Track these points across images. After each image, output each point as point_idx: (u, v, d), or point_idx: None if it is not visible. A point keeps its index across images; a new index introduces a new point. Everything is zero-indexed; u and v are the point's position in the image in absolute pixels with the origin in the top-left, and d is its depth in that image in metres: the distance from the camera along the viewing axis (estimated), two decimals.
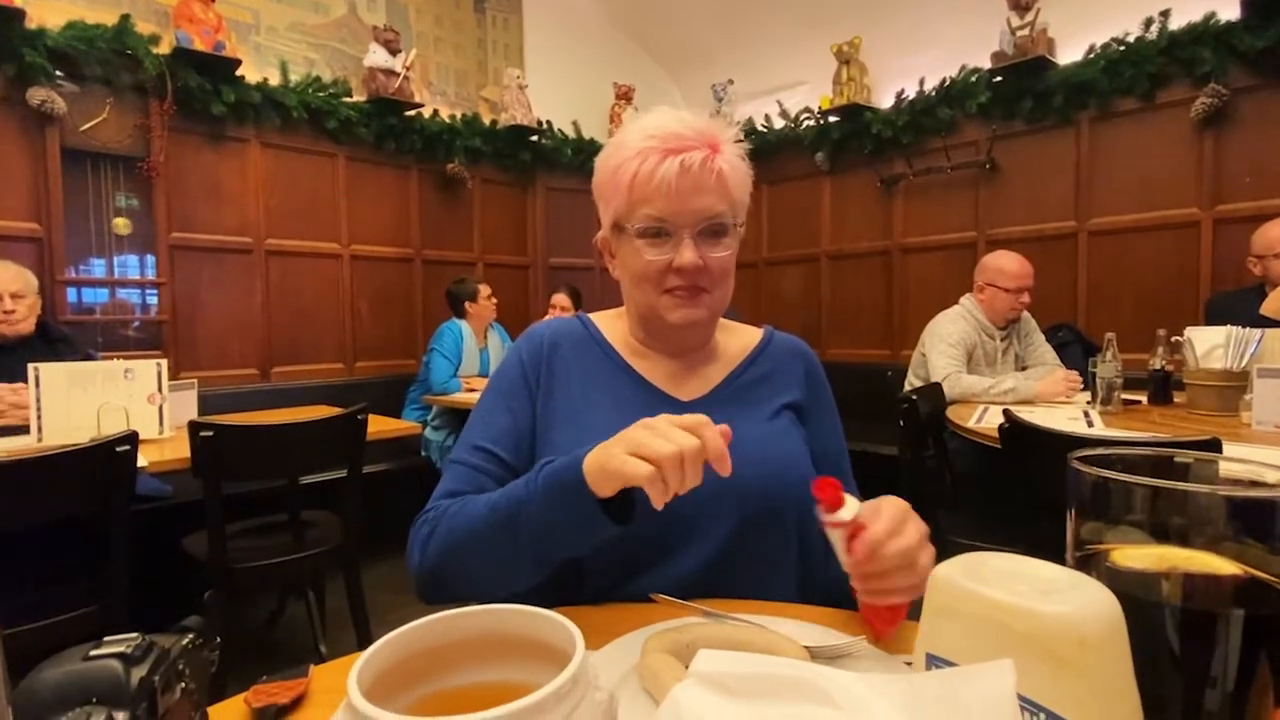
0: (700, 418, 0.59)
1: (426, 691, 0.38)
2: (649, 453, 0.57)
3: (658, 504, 0.57)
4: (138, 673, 0.38)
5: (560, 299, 3.68)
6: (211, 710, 0.48)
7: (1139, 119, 3.06)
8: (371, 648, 0.35)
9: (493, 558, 0.69)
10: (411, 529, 0.78)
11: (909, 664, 0.56)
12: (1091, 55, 3.10)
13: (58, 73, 2.73)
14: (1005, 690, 0.27)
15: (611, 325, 0.92)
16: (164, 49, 2.95)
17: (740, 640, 0.57)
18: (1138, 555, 0.35)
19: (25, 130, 2.73)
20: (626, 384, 0.85)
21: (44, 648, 0.39)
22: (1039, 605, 0.31)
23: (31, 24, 2.65)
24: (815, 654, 0.57)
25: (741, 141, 0.82)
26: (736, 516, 0.77)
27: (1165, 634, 0.33)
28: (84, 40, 2.75)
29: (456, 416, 3.25)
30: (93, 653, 0.39)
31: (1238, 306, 2.43)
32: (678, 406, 0.84)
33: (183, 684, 0.42)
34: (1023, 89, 3.27)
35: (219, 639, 0.48)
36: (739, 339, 0.93)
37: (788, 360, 0.91)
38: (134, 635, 0.41)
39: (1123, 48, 3.02)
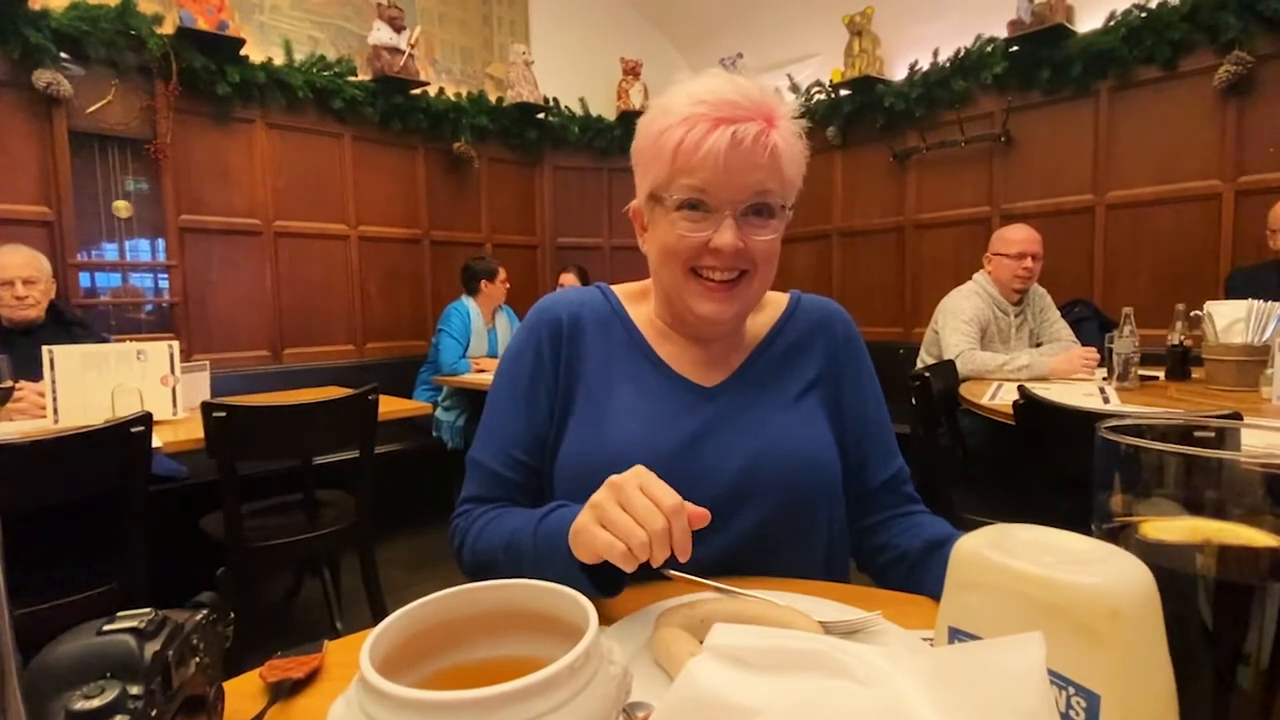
0: (677, 503, 0.55)
1: (439, 666, 0.38)
2: (620, 534, 0.55)
3: (627, 569, 0.56)
4: (151, 647, 0.38)
5: (568, 279, 3.66)
6: (227, 684, 0.48)
7: (1160, 88, 2.99)
8: (384, 622, 0.35)
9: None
10: (451, 530, 0.81)
11: (928, 640, 0.55)
12: (1112, 22, 3.02)
13: (62, 55, 2.72)
14: (1035, 663, 0.26)
15: (635, 302, 0.86)
16: (167, 29, 2.93)
17: (754, 615, 0.56)
18: (1169, 527, 0.34)
19: (32, 113, 2.73)
20: (649, 371, 0.81)
21: (64, 626, 0.38)
22: (1070, 576, 0.30)
23: (35, 5, 2.64)
24: (830, 629, 0.57)
25: (800, 118, 0.75)
26: (762, 508, 0.75)
27: (1198, 607, 0.32)
28: (87, 21, 2.74)
29: (467, 397, 3.26)
30: (106, 628, 0.39)
31: (1258, 281, 2.38)
32: (701, 394, 0.80)
33: (197, 658, 0.42)
34: (1040, 58, 3.19)
35: (232, 614, 0.48)
36: (765, 310, 0.86)
37: (815, 327, 0.85)
38: (147, 611, 0.40)
39: (1144, 14, 2.93)
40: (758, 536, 0.75)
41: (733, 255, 0.72)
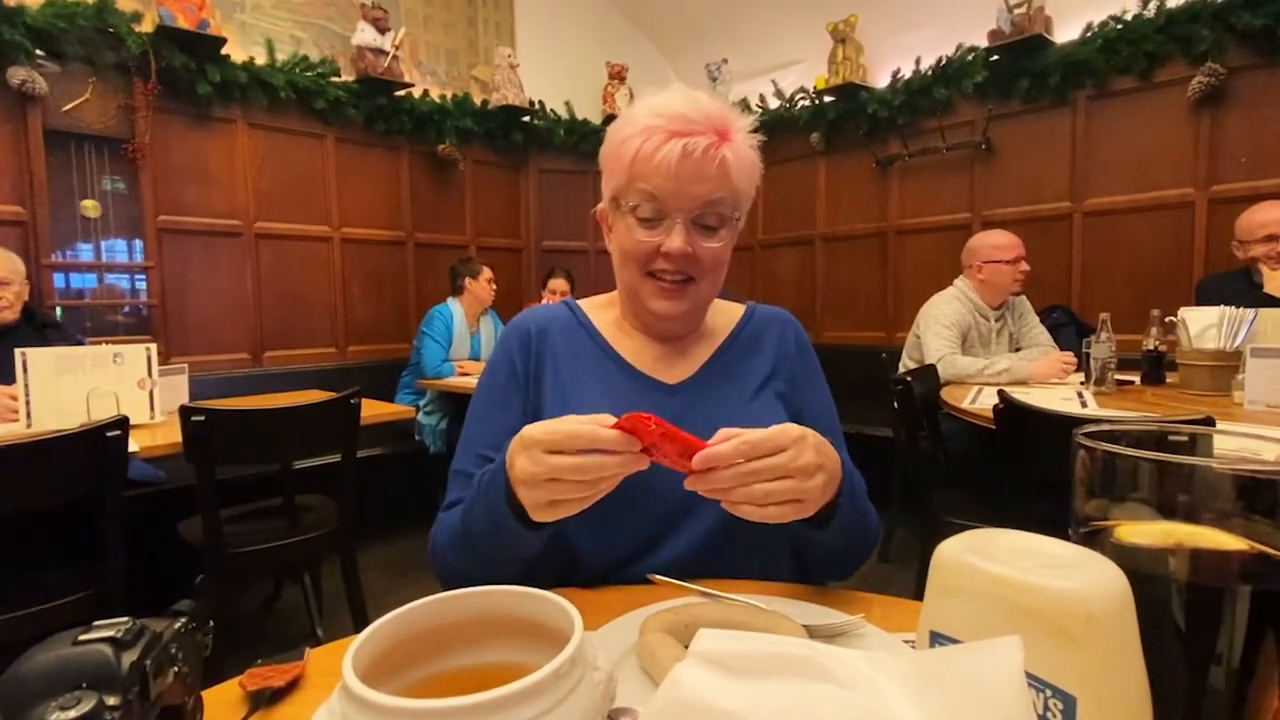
0: (568, 432, 0.57)
1: (424, 674, 0.38)
2: (558, 496, 0.58)
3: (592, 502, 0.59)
4: (129, 657, 0.38)
5: (558, 283, 3.65)
6: (206, 693, 0.47)
7: (1135, 98, 3.05)
8: (367, 630, 0.35)
9: (475, 559, 0.72)
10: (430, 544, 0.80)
11: (910, 643, 0.56)
12: (1089, 34, 3.07)
13: (38, 52, 2.67)
14: (1014, 666, 0.27)
15: (600, 311, 0.92)
16: (146, 27, 2.89)
17: (738, 620, 0.57)
18: (1143, 531, 0.35)
19: (6, 111, 2.67)
20: (613, 370, 0.86)
21: (39, 634, 0.38)
22: (1046, 581, 0.30)
23: (10, 1, 2.59)
24: (814, 633, 0.57)
25: (755, 132, 0.80)
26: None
27: (1171, 609, 0.33)
28: (64, 18, 2.69)
29: (450, 401, 3.24)
30: (82, 637, 0.38)
31: (1227, 288, 2.43)
32: (664, 391, 0.84)
33: (176, 667, 0.42)
34: (1019, 68, 3.25)
35: (212, 622, 0.48)
36: (723, 317, 0.93)
37: (768, 332, 0.91)
38: (125, 619, 0.40)
39: (1120, 26, 2.99)
40: (720, 532, 0.77)
41: (681, 259, 0.77)
